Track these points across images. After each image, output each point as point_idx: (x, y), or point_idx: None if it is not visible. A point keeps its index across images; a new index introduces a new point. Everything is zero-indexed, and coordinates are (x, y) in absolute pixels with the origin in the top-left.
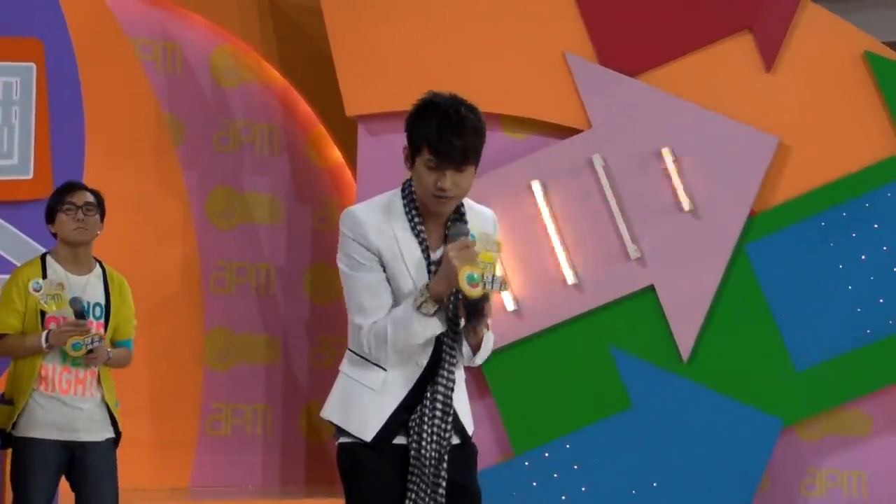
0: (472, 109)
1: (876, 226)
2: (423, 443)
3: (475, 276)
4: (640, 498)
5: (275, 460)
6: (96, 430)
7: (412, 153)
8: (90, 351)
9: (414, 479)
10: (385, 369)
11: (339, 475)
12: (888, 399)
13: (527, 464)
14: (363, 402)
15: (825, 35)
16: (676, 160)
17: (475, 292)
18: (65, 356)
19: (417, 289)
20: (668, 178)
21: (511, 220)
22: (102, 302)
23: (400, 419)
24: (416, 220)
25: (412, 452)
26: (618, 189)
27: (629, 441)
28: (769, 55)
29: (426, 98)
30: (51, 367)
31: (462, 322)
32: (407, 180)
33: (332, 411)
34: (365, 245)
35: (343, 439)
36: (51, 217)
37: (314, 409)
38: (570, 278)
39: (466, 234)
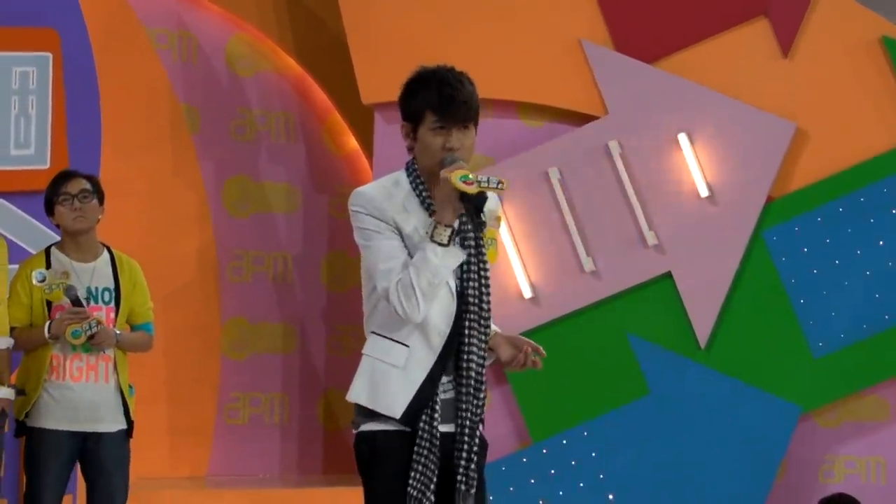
0: (463, 72)
1: (894, 211)
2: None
3: (468, 176)
4: (658, 485)
5: (292, 449)
6: (109, 420)
7: (413, 125)
8: (91, 337)
9: (420, 458)
10: (408, 345)
11: (356, 465)
12: None
13: (545, 451)
14: (389, 380)
15: (842, 20)
16: (693, 146)
17: (471, 189)
18: (74, 344)
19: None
20: (685, 164)
21: (528, 208)
22: (111, 286)
23: (428, 392)
24: (424, 194)
25: (422, 429)
26: (635, 176)
27: (647, 428)
28: (786, 41)
29: (416, 72)
30: (62, 356)
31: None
32: (409, 161)
33: (358, 393)
34: (380, 217)
35: (364, 427)
36: (49, 209)
37: (332, 397)
38: (588, 265)
39: (456, 161)
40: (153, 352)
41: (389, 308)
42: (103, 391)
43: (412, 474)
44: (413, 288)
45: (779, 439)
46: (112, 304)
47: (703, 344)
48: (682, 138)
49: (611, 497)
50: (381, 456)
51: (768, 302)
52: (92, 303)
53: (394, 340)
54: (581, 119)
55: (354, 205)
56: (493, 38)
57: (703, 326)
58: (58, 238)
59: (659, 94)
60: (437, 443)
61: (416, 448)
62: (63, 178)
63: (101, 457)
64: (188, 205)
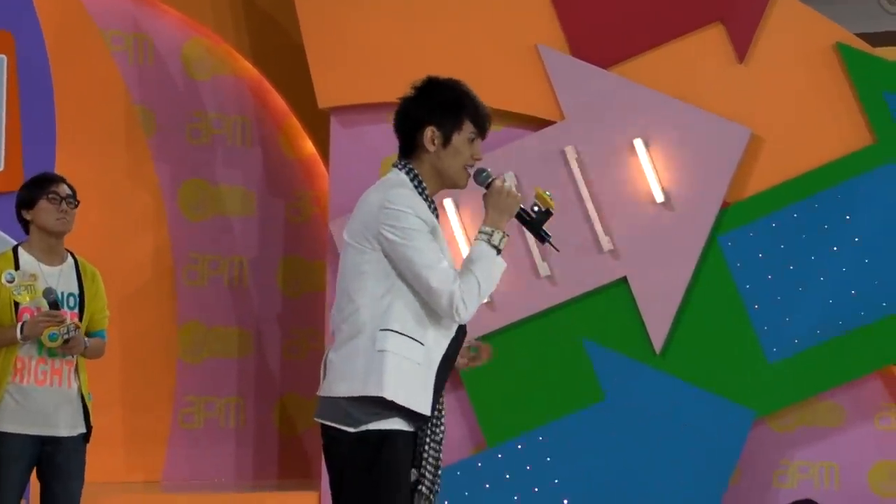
0: None
1: (848, 217)
2: (442, 416)
3: (547, 192)
4: (613, 490)
5: (248, 453)
6: (70, 425)
7: (449, 132)
8: (66, 341)
9: (430, 456)
10: (423, 343)
11: (345, 463)
12: (860, 390)
13: (500, 456)
14: (415, 378)
15: (797, 26)
16: (649, 152)
17: (552, 204)
18: (40, 348)
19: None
20: (641, 169)
21: (483, 212)
22: (76, 292)
23: (441, 390)
24: (431, 198)
25: (434, 426)
26: (590, 181)
27: (602, 433)
28: (741, 46)
29: (440, 80)
30: (27, 359)
31: None
32: (405, 167)
33: (394, 392)
34: (425, 219)
35: (371, 426)
36: (30, 203)
37: (287, 401)
38: (543, 270)
39: (492, 175)
40: (108, 355)
41: (409, 306)
42: (66, 395)
43: (423, 472)
44: (479, 292)
45: (733, 444)
46: (76, 310)
47: (658, 349)
48: (638, 143)
49: (566, 502)
50: (393, 457)
51: (723, 307)
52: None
53: (412, 338)
54: (537, 124)
55: (399, 204)
56: (450, 42)
57: (658, 331)
58: (10, 241)
59: (615, 99)
60: (441, 436)
61: (427, 446)
62: (53, 179)
63: (59, 461)
64: (143, 208)
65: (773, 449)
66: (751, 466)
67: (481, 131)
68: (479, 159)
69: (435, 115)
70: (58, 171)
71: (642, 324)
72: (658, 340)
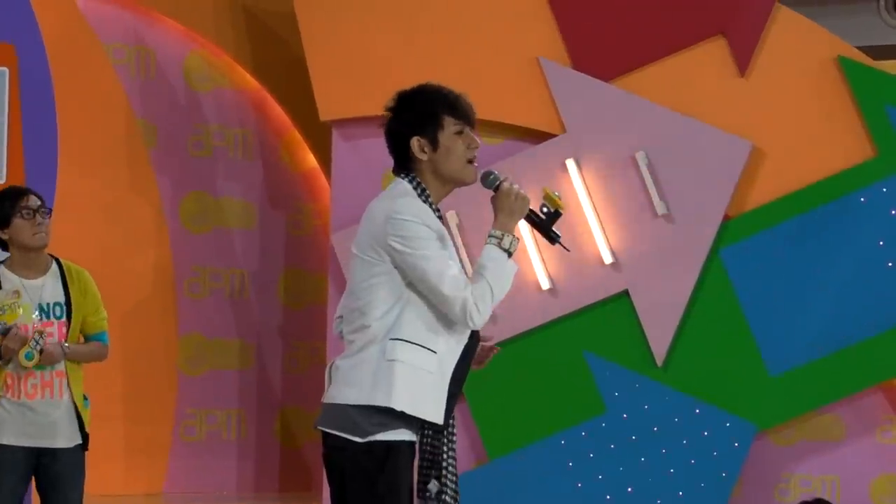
0: None
1: (849, 231)
2: (454, 422)
3: (555, 193)
4: (614, 503)
5: (249, 465)
6: (64, 436)
7: (432, 135)
8: (41, 351)
9: (450, 466)
10: (435, 351)
11: (350, 474)
12: (862, 404)
13: (501, 469)
14: (427, 387)
15: (798, 39)
16: (650, 165)
17: (561, 205)
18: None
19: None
20: (643, 182)
21: (485, 225)
22: (62, 300)
23: (456, 398)
24: (435, 206)
25: (448, 435)
26: (592, 193)
27: (604, 446)
28: (743, 60)
29: (409, 91)
30: (16, 375)
31: None
32: (407, 176)
33: (400, 401)
34: (432, 227)
35: (379, 436)
36: (5, 222)
37: (288, 413)
38: (545, 283)
39: (500, 177)
40: (109, 367)
41: (421, 315)
42: (58, 407)
43: (445, 482)
44: (492, 297)
45: (735, 457)
46: (63, 319)
47: (659, 362)
48: (640, 156)
49: None
50: (397, 467)
51: (725, 320)
52: (44, 318)
53: (423, 347)
54: (539, 137)
55: (405, 214)
56: (451, 54)
57: (659, 344)
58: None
59: (616, 112)
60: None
61: (445, 454)
62: (20, 193)
63: (56, 472)
64: (145, 220)
65: (775, 462)
66: (752, 480)
67: (465, 120)
68: (476, 147)
69: (414, 125)
70: (59, 183)
71: (644, 337)
72: (660, 353)
